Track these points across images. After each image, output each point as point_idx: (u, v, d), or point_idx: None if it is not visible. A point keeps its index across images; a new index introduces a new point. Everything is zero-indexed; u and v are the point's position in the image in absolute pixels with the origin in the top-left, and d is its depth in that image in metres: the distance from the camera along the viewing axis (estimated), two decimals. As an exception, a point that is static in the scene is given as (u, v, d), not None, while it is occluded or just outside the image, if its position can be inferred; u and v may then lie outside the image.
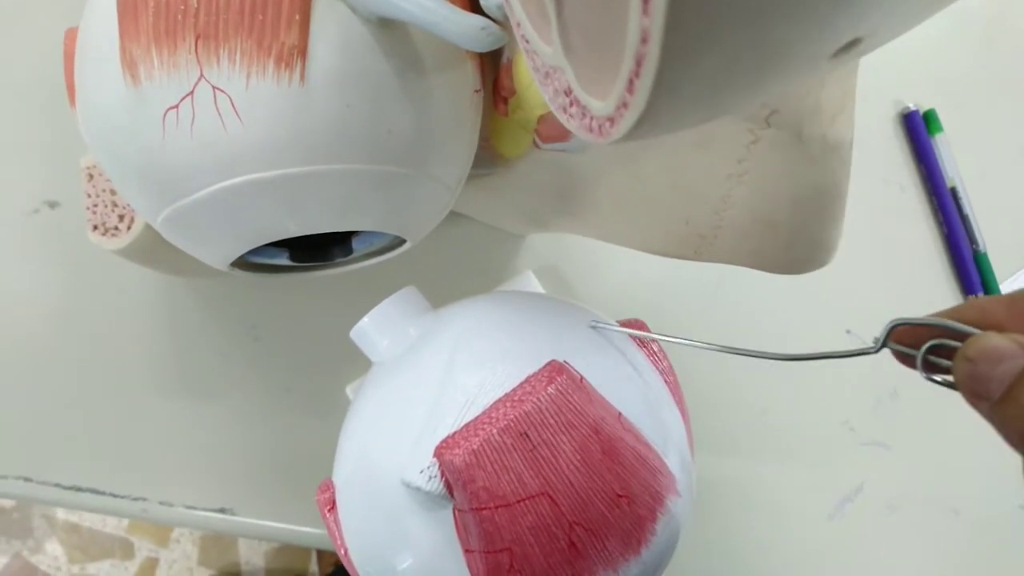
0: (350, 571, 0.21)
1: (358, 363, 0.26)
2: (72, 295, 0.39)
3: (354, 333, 0.24)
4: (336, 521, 0.22)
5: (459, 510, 0.19)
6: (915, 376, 0.18)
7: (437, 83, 0.23)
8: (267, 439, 0.39)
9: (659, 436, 0.21)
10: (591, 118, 0.15)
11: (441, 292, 0.27)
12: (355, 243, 0.27)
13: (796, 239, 0.27)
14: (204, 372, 0.39)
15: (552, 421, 0.18)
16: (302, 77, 0.20)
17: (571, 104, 0.16)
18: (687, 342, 0.21)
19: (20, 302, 0.39)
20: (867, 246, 0.42)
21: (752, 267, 0.29)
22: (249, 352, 0.39)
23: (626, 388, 0.21)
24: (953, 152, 0.43)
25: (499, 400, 0.19)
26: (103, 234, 0.32)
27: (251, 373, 0.39)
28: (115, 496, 0.38)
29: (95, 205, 0.32)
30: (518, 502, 0.18)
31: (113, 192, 0.32)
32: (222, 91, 0.20)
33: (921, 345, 0.17)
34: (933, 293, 0.43)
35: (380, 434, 0.21)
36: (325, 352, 0.39)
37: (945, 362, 0.16)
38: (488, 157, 0.33)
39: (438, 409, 0.20)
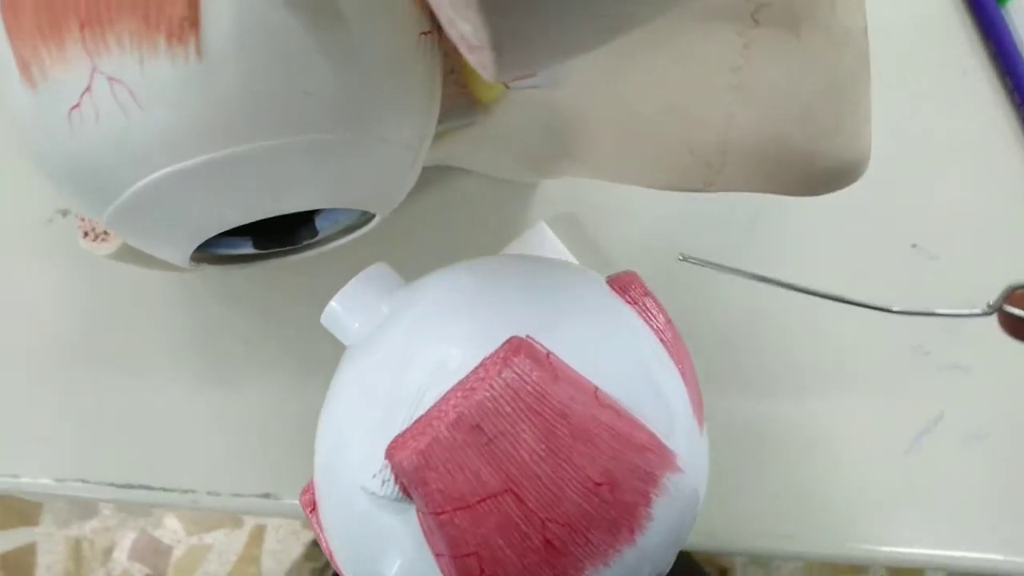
0: (339, 572, 0.20)
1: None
2: (93, 299, 0.39)
3: (324, 318, 0.23)
4: (319, 523, 0.20)
5: (420, 513, 0.17)
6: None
7: (362, 30, 0.20)
8: (300, 423, 0.39)
9: (653, 408, 0.18)
10: (474, 48, 0.12)
11: (450, 254, 0.25)
12: (319, 222, 0.25)
13: (814, 154, 0.23)
14: (231, 362, 0.39)
15: (508, 409, 0.16)
16: (197, 51, 0.18)
17: (461, 37, 0.13)
18: (781, 283, 0.18)
19: (45, 310, 0.40)
20: (925, 145, 0.37)
21: (772, 193, 0.25)
22: (273, 338, 0.39)
23: (608, 356, 0.18)
24: (1030, 19, 0.36)
25: (451, 390, 0.17)
26: (93, 240, 0.32)
27: (277, 358, 0.39)
28: (166, 490, 0.39)
29: (82, 212, 0.32)
30: (479, 502, 0.16)
31: (96, 197, 0.32)
32: (117, 80, 0.18)
33: None
34: (1010, 192, 0.37)
35: (344, 430, 0.19)
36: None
37: None
38: (467, 104, 0.30)
39: (393, 401, 0.18)
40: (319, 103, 0.19)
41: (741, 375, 0.37)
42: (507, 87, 0.25)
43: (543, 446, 0.16)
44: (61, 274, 0.40)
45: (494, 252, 0.37)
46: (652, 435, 0.18)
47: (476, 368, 0.17)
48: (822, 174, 0.24)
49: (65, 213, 0.40)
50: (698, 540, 0.37)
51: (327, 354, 0.38)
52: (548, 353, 0.17)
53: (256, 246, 0.25)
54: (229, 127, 0.19)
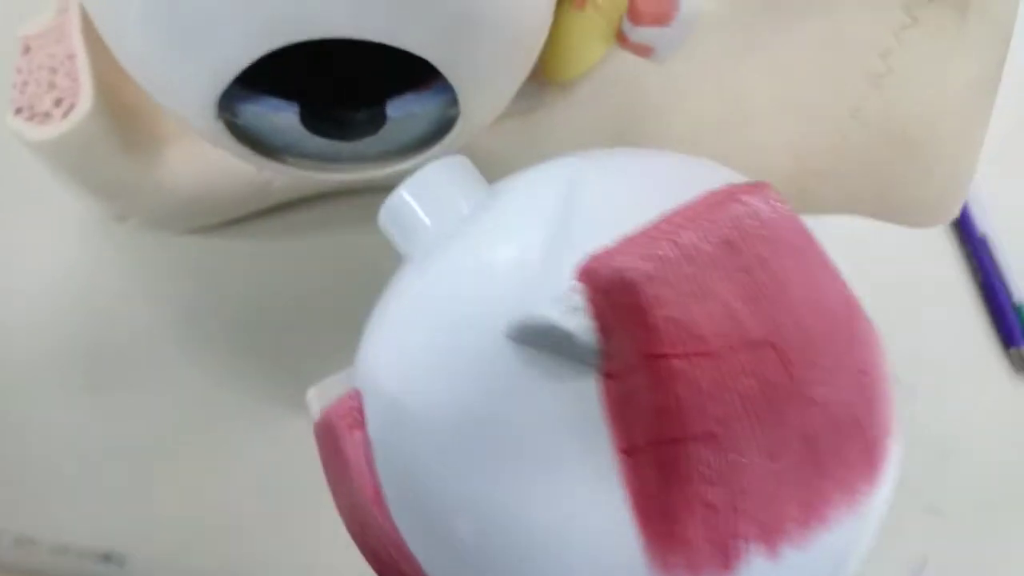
0: (378, 523, 0.13)
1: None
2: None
3: (386, 212, 0.17)
4: (365, 444, 0.13)
5: (614, 371, 0.11)
6: None
7: None
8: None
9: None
10: None
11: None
12: (390, 110, 0.20)
13: (938, 163, 0.22)
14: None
15: (767, 234, 0.11)
16: None
17: None
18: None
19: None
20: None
21: (872, 215, 0.24)
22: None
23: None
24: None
25: (674, 211, 0.12)
26: (28, 119, 0.24)
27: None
28: None
29: (24, 83, 0.24)
30: (729, 349, 0.11)
31: (53, 71, 0.25)
32: None
33: None
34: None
35: (461, 286, 0.13)
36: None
37: None
38: (535, 85, 0.27)
39: (568, 230, 0.12)
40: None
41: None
42: (622, 40, 0.23)
43: (813, 295, 0.11)
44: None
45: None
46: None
47: (703, 195, 0.12)
48: (934, 195, 0.23)
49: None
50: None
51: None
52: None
53: (304, 121, 0.19)
54: None
